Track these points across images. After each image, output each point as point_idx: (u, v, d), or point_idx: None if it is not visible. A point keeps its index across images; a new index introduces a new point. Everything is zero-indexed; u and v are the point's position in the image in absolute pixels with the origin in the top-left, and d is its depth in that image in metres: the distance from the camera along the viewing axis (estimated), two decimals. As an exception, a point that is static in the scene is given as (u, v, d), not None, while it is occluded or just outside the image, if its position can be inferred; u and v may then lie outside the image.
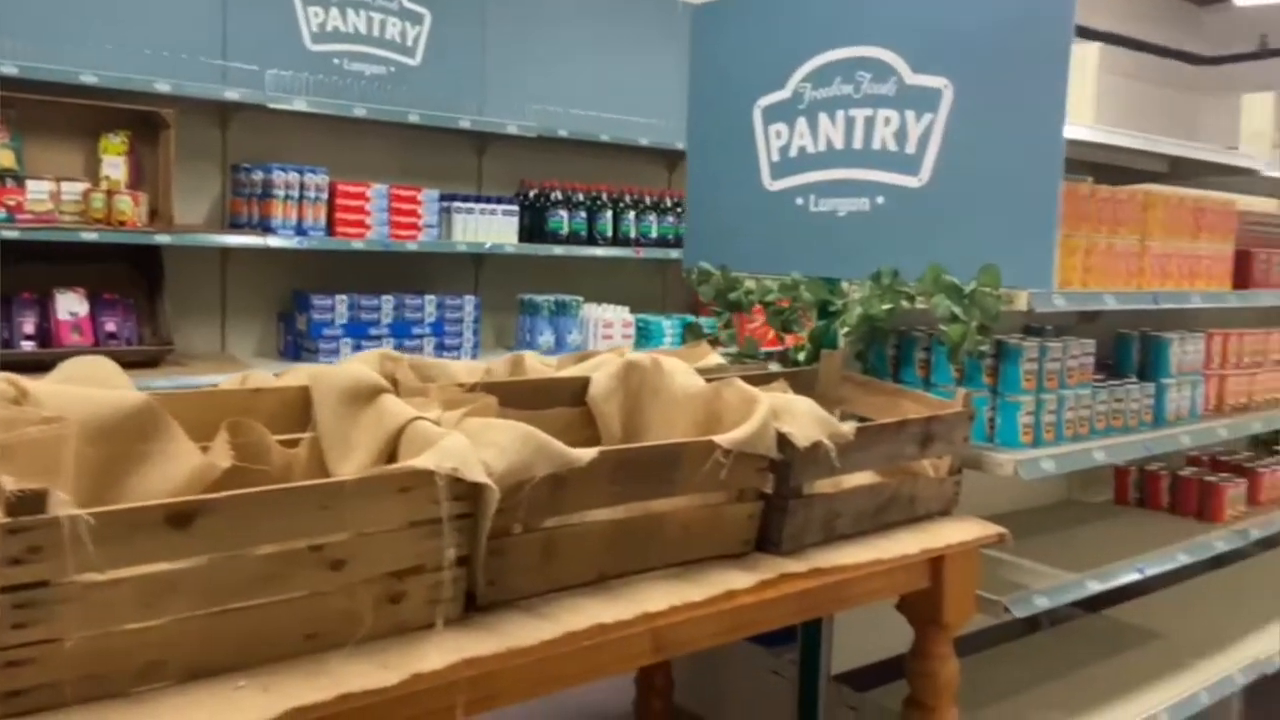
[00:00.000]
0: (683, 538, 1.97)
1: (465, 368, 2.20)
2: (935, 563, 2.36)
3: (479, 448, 1.62)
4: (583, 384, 2.32)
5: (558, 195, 5.34)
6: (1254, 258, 3.41)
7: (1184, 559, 3.04)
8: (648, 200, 5.70)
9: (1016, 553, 2.96)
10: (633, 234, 5.61)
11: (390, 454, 1.74)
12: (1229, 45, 12.73)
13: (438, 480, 1.52)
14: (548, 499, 1.72)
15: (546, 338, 5.22)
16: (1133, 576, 2.85)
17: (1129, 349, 3.17)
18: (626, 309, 5.60)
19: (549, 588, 1.77)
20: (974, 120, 2.59)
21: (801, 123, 3.02)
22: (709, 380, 2.26)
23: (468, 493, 1.59)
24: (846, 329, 2.84)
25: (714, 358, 2.80)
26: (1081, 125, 3.03)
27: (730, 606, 1.91)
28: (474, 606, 1.67)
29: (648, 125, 5.58)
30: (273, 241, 4.31)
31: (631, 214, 5.61)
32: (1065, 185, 2.59)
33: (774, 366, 2.97)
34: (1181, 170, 3.38)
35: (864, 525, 2.28)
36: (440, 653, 1.51)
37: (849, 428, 2.17)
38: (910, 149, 2.73)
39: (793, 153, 3.06)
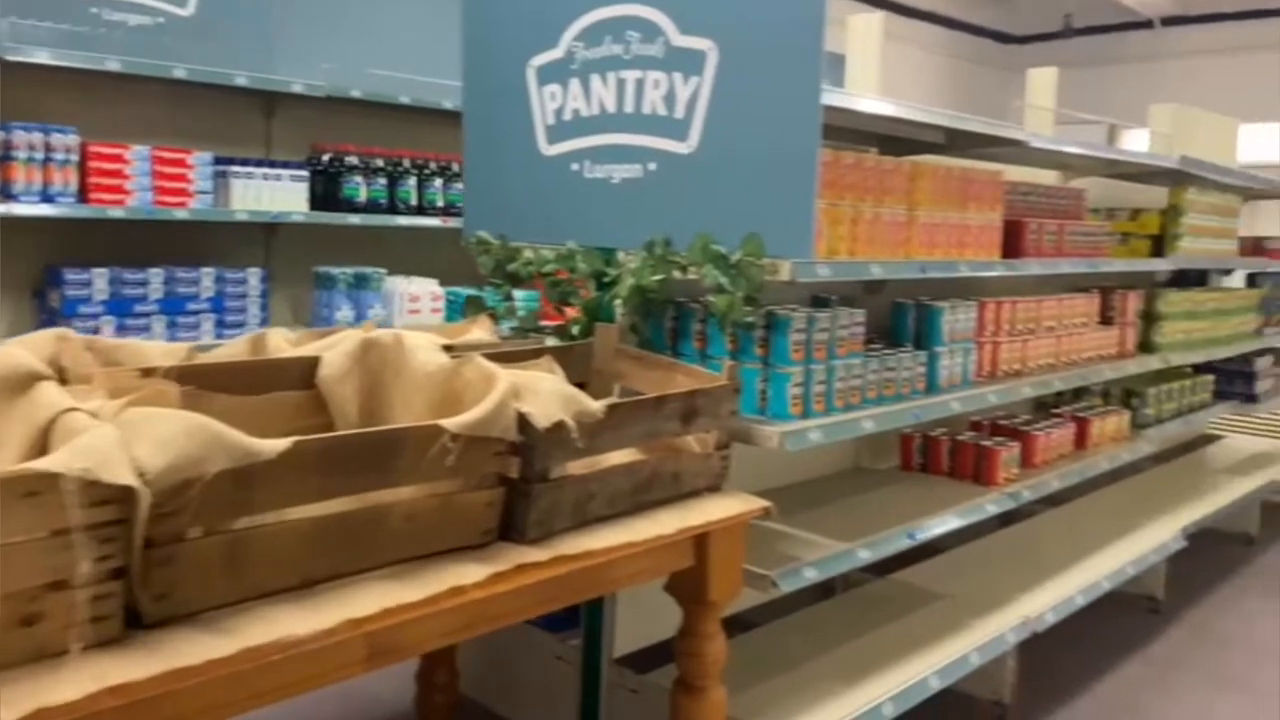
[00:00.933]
0: (410, 531, 1.81)
1: (164, 350, 1.96)
2: (699, 540, 2.29)
3: (134, 442, 1.41)
4: (313, 364, 2.11)
5: (354, 161, 5.02)
6: (1024, 227, 3.50)
7: (956, 523, 3.11)
8: (455, 168, 5.45)
9: (797, 524, 2.94)
10: (440, 202, 5.35)
11: (41, 450, 1.50)
12: (1036, 25, 13.42)
13: (66, 484, 1.30)
14: (231, 497, 1.52)
15: (345, 313, 4.92)
16: (903, 544, 2.88)
17: (905, 318, 3.20)
18: (435, 281, 5.34)
19: (239, 598, 1.57)
20: (738, 84, 2.51)
21: (575, 84, 2.87)
22: (453, 358, 2.10)
23: (117, 495, 1.37)
24: (620, 301, 2.72)
25: (478, 333, 2.64)
26: (860, 95, 3.01)
27: (458, 603, 1.76)
28: (140, 625, 1.46)
29: (452, 88, 5.31)
30: (16, 209, 3.85)
31: (438, 181, 5.35)
32: (829, 154, 2.55)
33: (550, 341, 2.84)
34: (959, 142, 3.43)
35: (621, 506, 2.17)
36: (76, 682, 1.30)
37: (598, 406, 2.05)
38: (679, 113, 2.62)
39: (567, 116, 2.91)
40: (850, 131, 3.52)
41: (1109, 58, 12.21)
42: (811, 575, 2.59)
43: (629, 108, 2.74)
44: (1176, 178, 4.64)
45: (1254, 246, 5.48)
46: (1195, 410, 5.02)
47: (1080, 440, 4.11)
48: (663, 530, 2.15)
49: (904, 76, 11.13)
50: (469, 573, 1.81)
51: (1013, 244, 3.48)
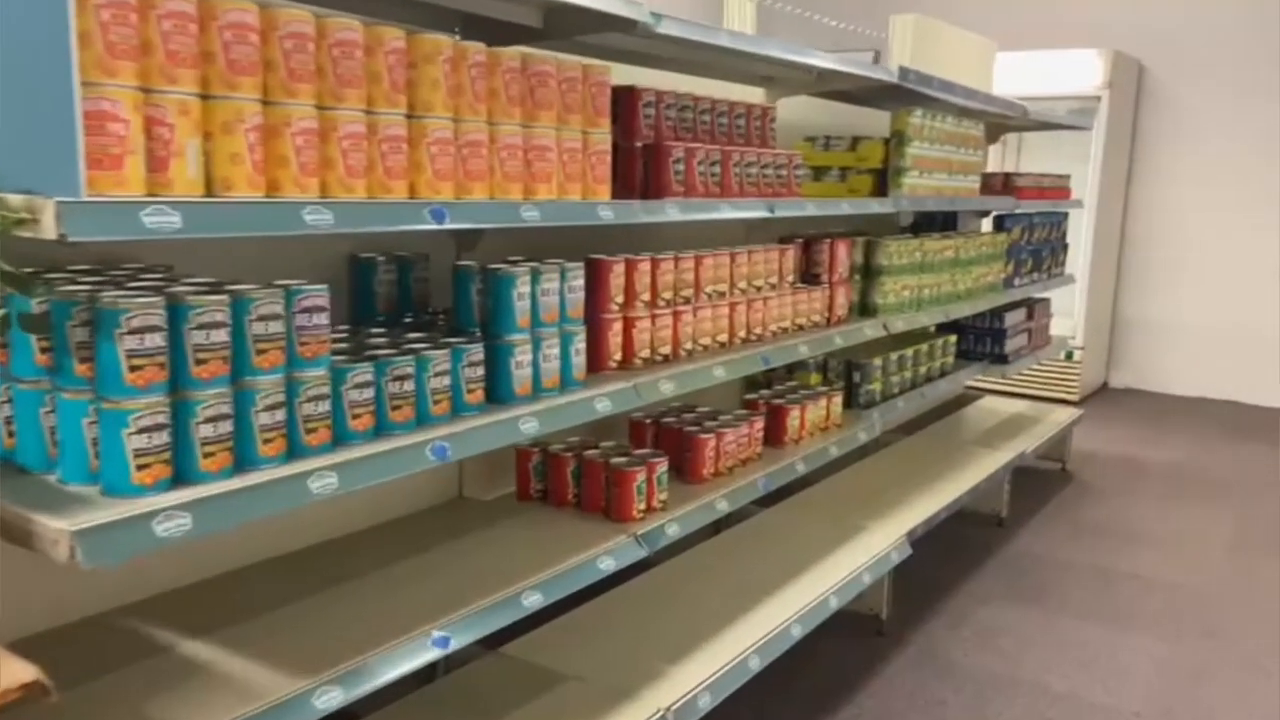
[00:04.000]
0: None
1: None
2: None
3: None
4: None
5: None
6: (664, 155, 2.45)
7: (534, 601, 2.05)
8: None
9: (262, 629, 1.81)
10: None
11: None
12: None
13: None
14: None
15: None
16: (417, 659, 1.79)
17: (466, 292, 2.09)
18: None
19: None
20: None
21: None
22: None
23: None
24: None
25: None
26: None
27: None
28: None
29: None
30: None
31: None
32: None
33: None
34: (558, 25, 2.32)
35: None
36: None
37: None
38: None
39: None
40: (428, 8, 2.34)
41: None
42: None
43: None
44: (900, 98, 3.74)
45: (1003, 184, 4.74)
46: (934, 379, 4.22)
47: (775, 435, 3.16)
48: None
49: None
50: None
51: (629, 177, 2.43)
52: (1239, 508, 5.01)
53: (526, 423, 1.97)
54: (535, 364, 2.09)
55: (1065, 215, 5.33)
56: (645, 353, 2.49)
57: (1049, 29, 7.47)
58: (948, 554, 4.18)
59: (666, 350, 2.56)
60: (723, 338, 2.77)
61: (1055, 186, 5.08)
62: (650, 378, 2.37)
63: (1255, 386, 7.20)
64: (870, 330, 3.41)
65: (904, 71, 3.41)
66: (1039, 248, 4.97)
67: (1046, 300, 5.32)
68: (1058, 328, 7.16)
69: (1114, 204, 7.42)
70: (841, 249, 3.35)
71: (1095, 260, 7.11)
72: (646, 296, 2.48)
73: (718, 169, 2.64)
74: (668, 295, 2.55)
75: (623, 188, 2.51)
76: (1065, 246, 5.37)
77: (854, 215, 3.53)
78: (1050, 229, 5.08)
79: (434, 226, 1.72)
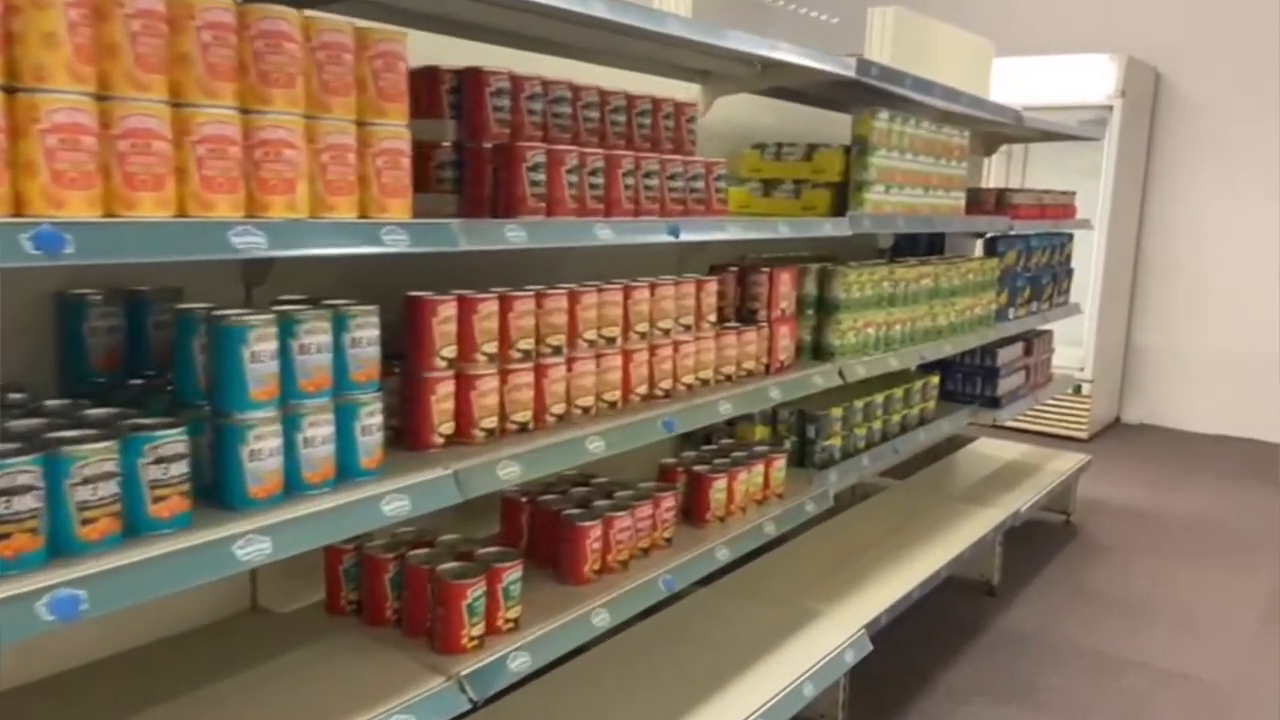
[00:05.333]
0: None
1: None
2: None
3: None
4: None
5: None
6: (516, 159, 1.83)
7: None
8: None
9: None
10: None
11: None
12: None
13: None
14: None
15: None
16: None
17: (187, 347, 1.47)
18: None
19: None
20: None
21: None
22: None
23: None
24: None
25: None
26: None
27: None
28: None
29: None
30: None
31: None
32: None
33: None
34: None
35: None
36: None
37: None
38: None
39: None
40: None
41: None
42: None
43: None
44: (871, 99, 3.11)
45: (997, 202, 4.09)
46: (910, 429, 3.56)
47: (695, 511, 2.52)
48: None
49: None
50: None
51: (497, 189, 1.81)
52: (1269, 572, 4.31)
53: (251, 545, 1.34)
54: (289, 452, 1.46)
55: (1070, 237, 4.66)
56: (490, 422, 1.85)
57: (1060, 36, 6.81)
58: (925, 633, 3.51)
59: (524, 418, 1.93)
60: (613, 396, 2.13)
61: (1058, 204, 4.42)
62: (484, 459, 1.74)
63: (1283, 425, 6.48)
64: (822, 379, 2.77)
65: (864, 65, 2.77)
66: (1038, 274, 4.31)
67: (1048, 333, 4.65)
68: (1065, 358, 6.47)
69: (1128, 224, 6.73)
70: (784, 279, 2.71)
71: (1107, 285, 6.43)
72: (492, 347, 1.85)
73: (599, 179, 2.01)
74: (526, 345, 1.92)
75: (470, 203, 1.89)
76: (1069, 272, 4.70)
77: (824, 239, 2.90)
78: (1052, 252, 4.42)
79: (48, 263, 1.10)
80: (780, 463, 2.74)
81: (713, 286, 2.42)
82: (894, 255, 4.22)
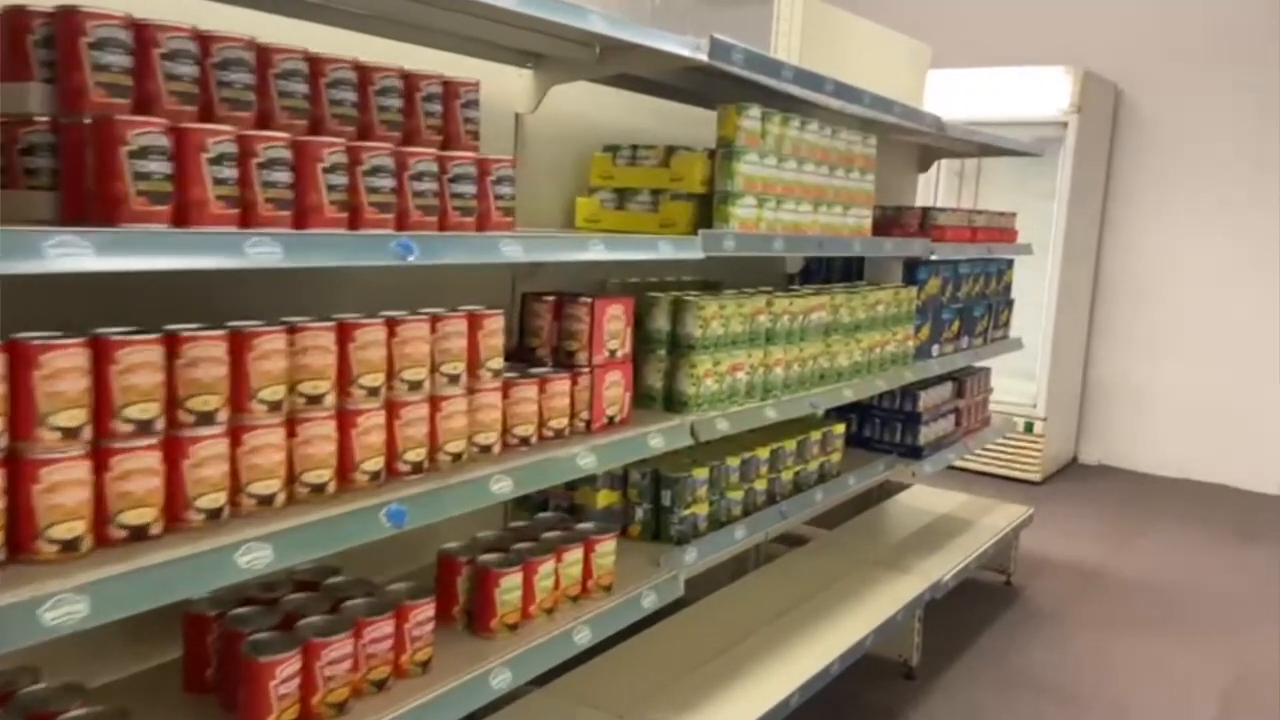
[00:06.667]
0: None
1: None
2: None
3: None
4: None
5: None
6: (112, 141, 1.23)
7: None
8: None
9: None
10: None
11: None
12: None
13: None
14: None
15: None
16: None
17: None
18: None
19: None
20: None
21: None
22: None
23: None
24: None
25: None
26: None
27: None
28: None
29: None
30: None
31: None
32: None
33: None
34: None
35: None
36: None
37: None
38: None
39: None
40: None
41: None
42: None
43: None
44: (751, 95, 2.53)
45: (920, 223, 3.52)
46: (806, 488, 2.97)
47: (479, 618, 1.91)
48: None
49: None
50: None
51: (95, 184, 1.22)
52: (1236, 645, 3.73)
53: None
54: None
55: (1009, 263, 4.10)
56: (70, 530, 1.25)
57: (1018, 49, 6.30)
58: (821, 736, 2.91)
59: (144, 518, 1.32)
60: (319, 478, 1.53)
61: (993, 226, 3.85)
62: (44, 590, 1.14)
63: (1253, 469, 5.92)
64: (663, 438, 2.16)
65: (721, 48, 2.19)
66: (970, 305, 3.74)
67: (984, 371, 4.08)
68: (1016, 394, 5.92)
69: (1085, 249, 6.19)
70: (613, 312, 2.11)
71: (1062, 315, 5.87)
72: (74, 418, 1.24)
73: (284, 174, 1.41)
74: (142, 412, 1.31)
75: (71, 200, 1.29)
76: (1009, 303, 4.13)
77: (720, 262, 2.32)
78: (986, 280, 3.85)
79: None
80: (606, 545, 2.13)
81: (496, 323, 1.82)
82: (804, 281, 3.66)
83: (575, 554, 2.05)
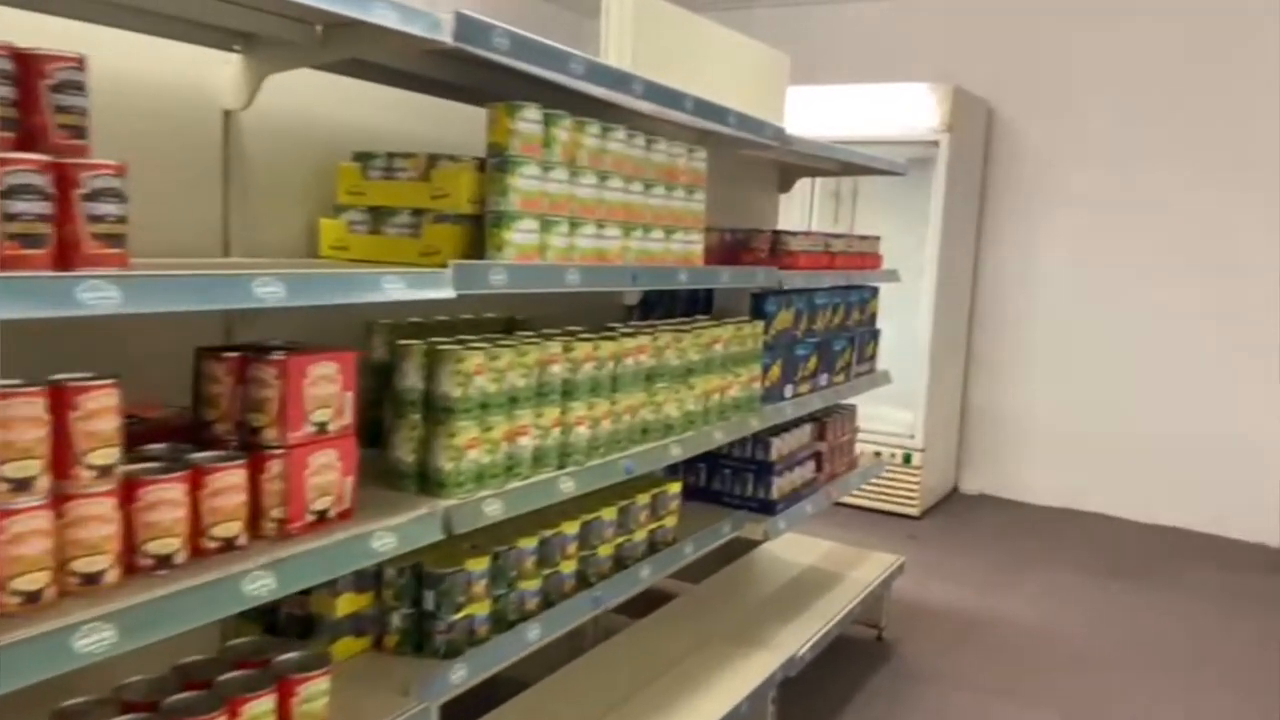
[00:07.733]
0: None
1: None
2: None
3: None
4: None
5: None
6: None
7: None
8: None
9: None
10: None
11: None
12: None
13: None
14: None
15: None
16: None
17: None
18: None
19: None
20: None
21: None
22: None
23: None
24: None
25: None
26: None
27: None
28: None
29: None
30: None
31: None
32: None
33: None
34: None
35: None
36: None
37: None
38: None
39: None
40: None
41: None
42: None
43: None
44: (521, 91, 2.03)
45: (770, 248, 3.09)
46: (630, 564, 2.46)
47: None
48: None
49: None
50: None
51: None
52: (1120, 706, 3.38)
53: None
54: None
55: (874, 291, 3.70)
56: None
57: (893, 66, 6.01)
58: None
59: None
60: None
61: (854, 252, 3.45)
62: None
63: (1136, 497, 5.69)
64: (392, 540, 1.62)
65: (470, 26, 1.68)
66: (829, 338, 3.31)
67: (850, 409, 3.66)
68: (893, 424, 5.57)
69: (961, 272, 5.91)
70: (318, 372, 1.56)
71: (937, 341, 5.56)
72: None
73: None
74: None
75: None
76: (874, 334, 3.73)
77: (527, 298, 1.78)
78: (847, 311, 3.44)
79: None
80: (315, 686, 1.57)
81: (102, 398, 1.26)
82: (644, 315, 3.18)
83: (263, 705, 1.49)
